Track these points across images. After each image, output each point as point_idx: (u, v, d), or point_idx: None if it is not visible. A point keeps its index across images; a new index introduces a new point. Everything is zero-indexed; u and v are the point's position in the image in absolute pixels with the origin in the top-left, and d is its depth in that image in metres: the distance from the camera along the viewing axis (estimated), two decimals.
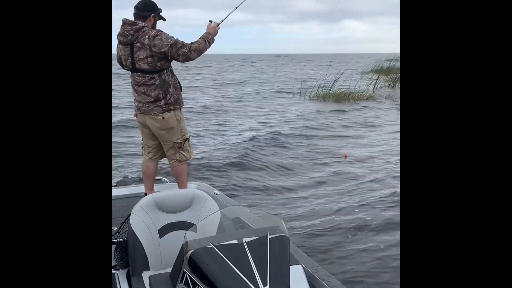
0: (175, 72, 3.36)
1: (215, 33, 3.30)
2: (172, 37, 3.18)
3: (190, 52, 3.14)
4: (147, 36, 3.14)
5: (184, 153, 3.34)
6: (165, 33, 3.19)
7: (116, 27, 3.10)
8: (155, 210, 2.36)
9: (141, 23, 3.18)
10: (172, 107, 3.23)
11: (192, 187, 3.37)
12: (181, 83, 3.37)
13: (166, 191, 3.11)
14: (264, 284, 1.57)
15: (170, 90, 3.23)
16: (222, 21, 3.42)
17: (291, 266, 1.73)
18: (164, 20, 3.40)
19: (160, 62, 3.18)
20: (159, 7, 3.32)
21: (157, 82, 3.18)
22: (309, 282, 1.95)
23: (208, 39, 3.24)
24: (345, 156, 2.88)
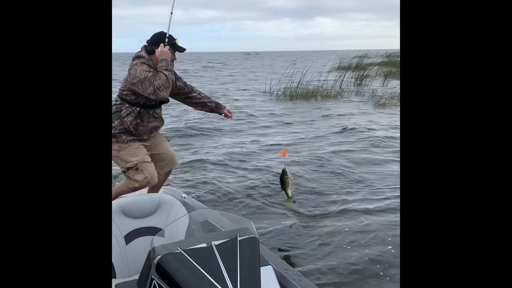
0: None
1: (169, 55, 3.11)
2: (148, 72, 3.02)
3: (156, 92, 2.99)
4: (131, 64, 3.13)
5: (132, 181, 3.20)
6: (142, 66, 3.05)
7: (116, 28, 2.99)
8: (120, 215, 2.30)
9: (139, 53, 3.16)
10: (112, 138, 3.15)
11: (159, 191, 3.31)
12: (138, 128, 3.20)
13: (132, 196, 3.04)
14: (235, 287, 1.55)
15: (115, 122, 3.11)
16: (167, 34, 3.19)
17: (261, 267, 1.72)
18: (182, 51, 3.26)
19: (127, 92, 3.12)
20: (173, 38, 3.18)
21: (113, 109, 3.12)
22: (279, 282, 1.94)
23: (163, 68, 3.04)
24: (284, 153, 2.82)
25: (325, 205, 5.04)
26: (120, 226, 2.28)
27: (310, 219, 4.63)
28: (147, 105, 3.17)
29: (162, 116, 3.41)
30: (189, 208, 2.78)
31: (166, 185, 3.91)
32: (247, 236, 1.79)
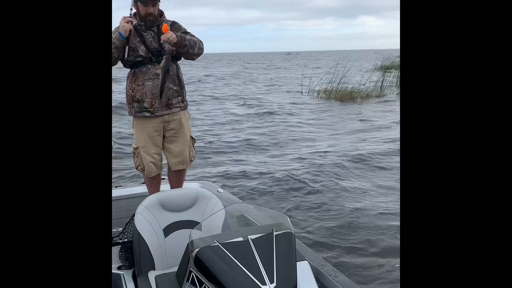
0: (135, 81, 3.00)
1: (123, 29, 2.89)
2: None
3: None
4: None
5: (133, 161, 3.17)
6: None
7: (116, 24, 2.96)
8: (159, 209, 2.35)
9: None
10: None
11: (196, 186, 3.36)
12: (136, 93, 3.02)
13: (170, 190, 3.10)
14: (271, 281, 1.56)
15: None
16: (131, 9, 2.98)
17: (297, 262, 1.71)
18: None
19: None
20: None
21: None
22: (316, 278, 1.93)
23: (112, 41, 2.86)
24: (165, 28, 2.60)
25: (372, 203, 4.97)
26: (159, 219, 2.33)
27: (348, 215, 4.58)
28: (136, 64, 2.99)
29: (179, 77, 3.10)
30: (225, 202, 2.81)
31: (202, 180, 3.97)
32: (283, 231, 1.79)
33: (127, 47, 2.94)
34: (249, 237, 1.73)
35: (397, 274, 3.37)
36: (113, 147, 3.38)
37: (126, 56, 2.95)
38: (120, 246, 2.53)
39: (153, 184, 3.22)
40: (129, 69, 3.05)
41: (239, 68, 39.55)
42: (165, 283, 1.88)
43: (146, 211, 2.31)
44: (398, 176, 2.96)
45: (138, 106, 3.01)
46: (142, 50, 2.95)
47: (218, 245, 1.68)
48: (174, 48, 2.93)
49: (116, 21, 2.89)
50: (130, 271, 2.40)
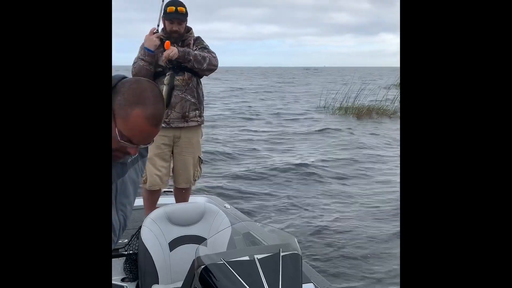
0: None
1: (151, 43, 2.96)
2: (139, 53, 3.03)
3: None
4: None
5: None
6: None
7: (116, 25, 3.01)
8: (166, 222, 2.34)
9: None
10: None
11: (203, 200, 3.35)
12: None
13: (177, 203, 3.10)
14: None
15: None
16: (158, 25, 3.05)
17: (303, 285, 1.70)
18: (174, 16, 3.04)
19: None
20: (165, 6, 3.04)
21: None
22: None
23: (140, 57, 2.97)
24: (167, 45, 2.57)
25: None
26: (165, 232, 2.32)
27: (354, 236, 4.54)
28: (157, 74, 3.03)
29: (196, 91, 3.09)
30: (231, 218, 2.80)
31: (210, 195, 3.97)
32: (290, 252, 1.78)
33: None
34: (256, 256, 1.72)
35: None
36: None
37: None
38: (125, 258, 2.53)
39: (151, 199, 3.14)
40: None
41: (268, 82, 39.66)
42: None
43: (153, 224, 2.31)
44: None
45: None
46: (163, 61, 3.00)
47: (224, 263, 1.67)
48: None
49: (118, 24, 2.94)
50: (134, 284, 2.39)
